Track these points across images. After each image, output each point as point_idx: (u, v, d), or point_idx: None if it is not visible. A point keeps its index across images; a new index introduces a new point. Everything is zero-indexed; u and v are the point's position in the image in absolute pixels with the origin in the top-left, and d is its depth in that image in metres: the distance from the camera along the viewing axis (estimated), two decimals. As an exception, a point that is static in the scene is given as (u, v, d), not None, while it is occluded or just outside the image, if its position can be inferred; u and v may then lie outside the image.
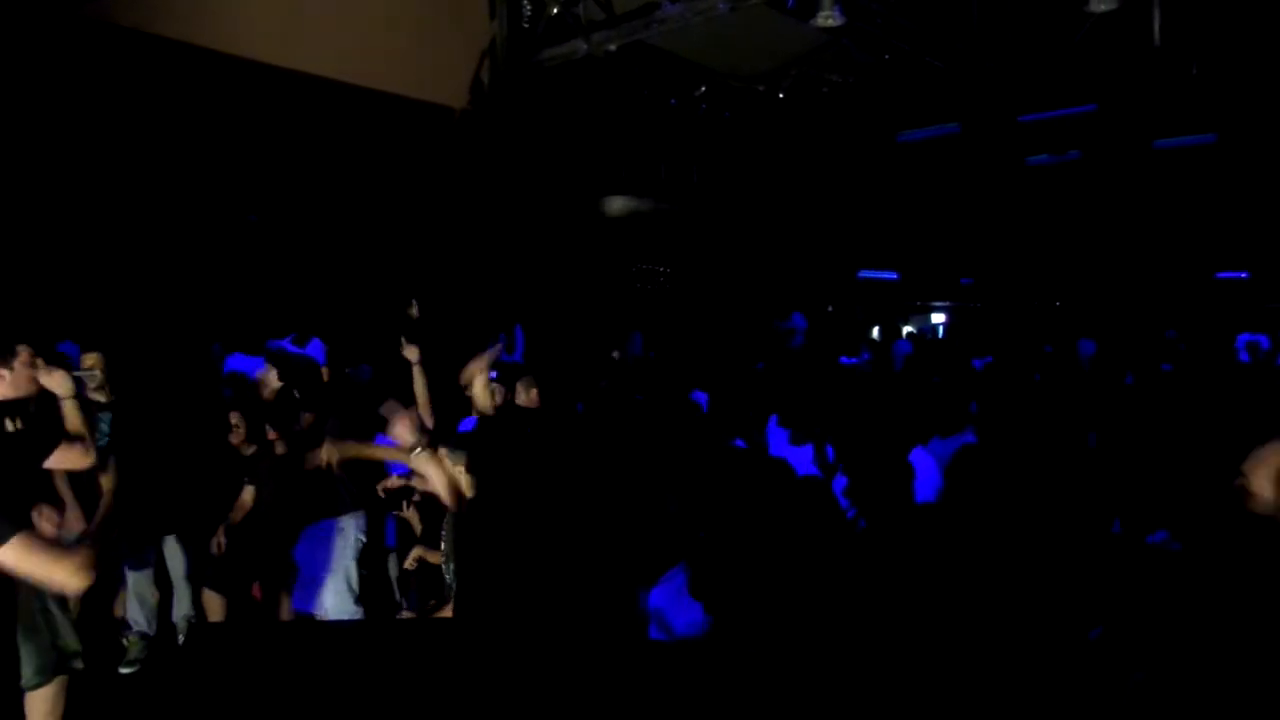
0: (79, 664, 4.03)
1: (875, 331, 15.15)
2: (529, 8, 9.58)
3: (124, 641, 5.38)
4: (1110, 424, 5.17)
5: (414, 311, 6.97)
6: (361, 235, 8.85)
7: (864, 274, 16.02)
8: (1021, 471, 3.34)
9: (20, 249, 7.10)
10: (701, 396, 6.33)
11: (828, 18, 7.26)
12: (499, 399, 5.75)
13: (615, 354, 8.00)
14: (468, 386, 4.79)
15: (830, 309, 14.81)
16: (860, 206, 13.99)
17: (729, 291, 13.01)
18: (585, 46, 8.47)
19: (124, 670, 5.28)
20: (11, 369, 3.87)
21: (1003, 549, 2.64)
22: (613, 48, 8.49)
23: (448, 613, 3.67)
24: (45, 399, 4.06)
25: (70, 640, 4.00)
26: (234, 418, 5.19)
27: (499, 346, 4.95)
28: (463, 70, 9.72)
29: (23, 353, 3.95)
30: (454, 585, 3.81)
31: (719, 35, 9.55)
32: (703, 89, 11.34)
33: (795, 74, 10.87)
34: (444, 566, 4.02)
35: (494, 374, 5.67)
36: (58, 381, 3.94)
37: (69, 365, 4.34)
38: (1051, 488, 3.34)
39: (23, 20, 6.81)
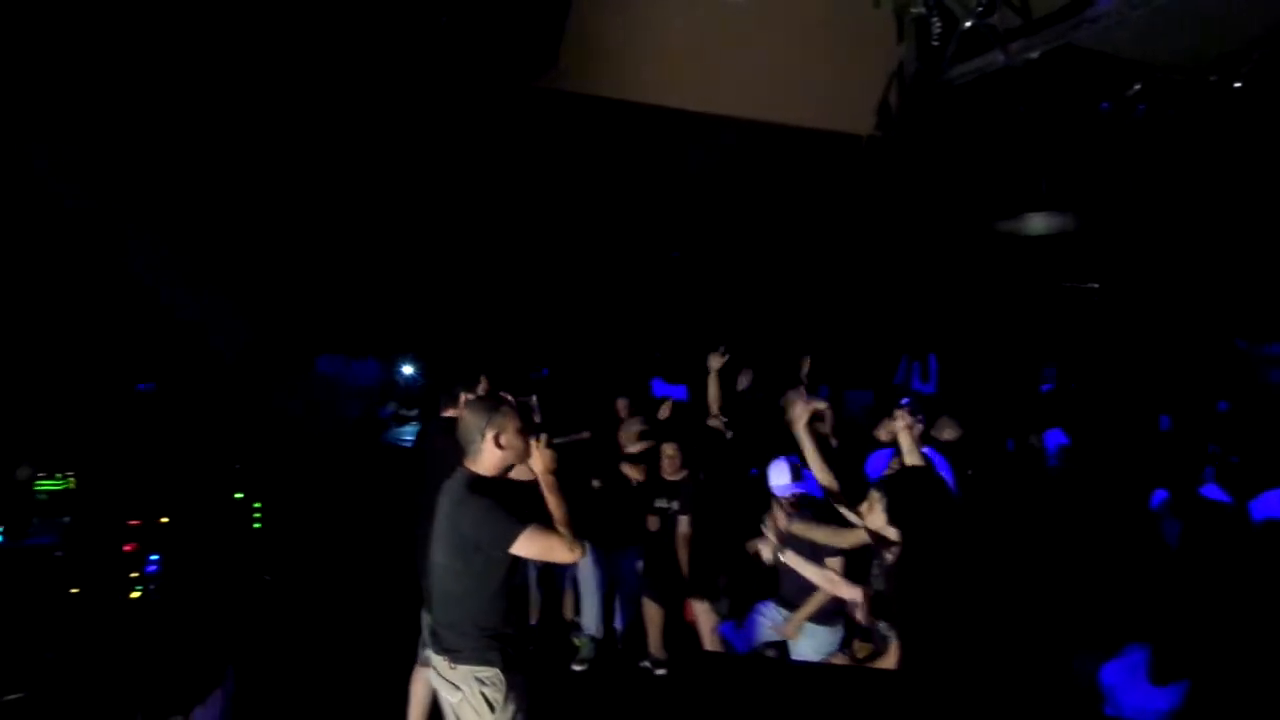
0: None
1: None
2: (938, 25, 9.23)
3: (575, 642, 6.04)
4: None
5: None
6: (776, 267, 9.12)
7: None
8: None
9: (480, 291, 8.31)
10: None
11: (1311, -12, 6.11)
12: (915, 431, 5.53)
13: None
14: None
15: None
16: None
17: (1176, 311, 11.45)
18: (1003, 58, 7.95)
19: (576, 668, 5.93)
20: (475, 395, 4.79)
21: None
22: (1034, 55, 7.88)
23: (884, 663, 3.59)
24: None
25: None
26: (669, 448, 5.59)
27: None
28: (869, 96, 9.63)
29: (484, 381, 4.87)
30: (888, 630, 3.73)
31: (1158, 25, 8.47)
32: (1137, 87, 10.13)
33: (1258, 58, 9.31)
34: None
35: (905, 400, 5.51)
36: None
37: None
38: None
39: (479, 94, 7.89)
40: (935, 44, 9.30)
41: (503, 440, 3.56)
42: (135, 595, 4.87)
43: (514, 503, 3.53)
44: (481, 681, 3.41)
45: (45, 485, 5.64)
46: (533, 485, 3.71)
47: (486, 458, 3.56)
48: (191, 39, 6.27)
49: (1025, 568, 3.61)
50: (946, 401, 6.52)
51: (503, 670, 3.49)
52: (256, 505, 6.43)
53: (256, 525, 6.42)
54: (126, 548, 5.05)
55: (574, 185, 8.57)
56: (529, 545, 3.41)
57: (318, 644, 5.96)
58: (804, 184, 9.15)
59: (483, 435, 3.55)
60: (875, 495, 3.80)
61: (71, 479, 5.66)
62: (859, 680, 3.52)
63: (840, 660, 4.66)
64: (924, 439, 5.49)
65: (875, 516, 3.76)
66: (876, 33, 9.85)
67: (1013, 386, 8.49)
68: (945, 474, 4.87)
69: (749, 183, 8.89)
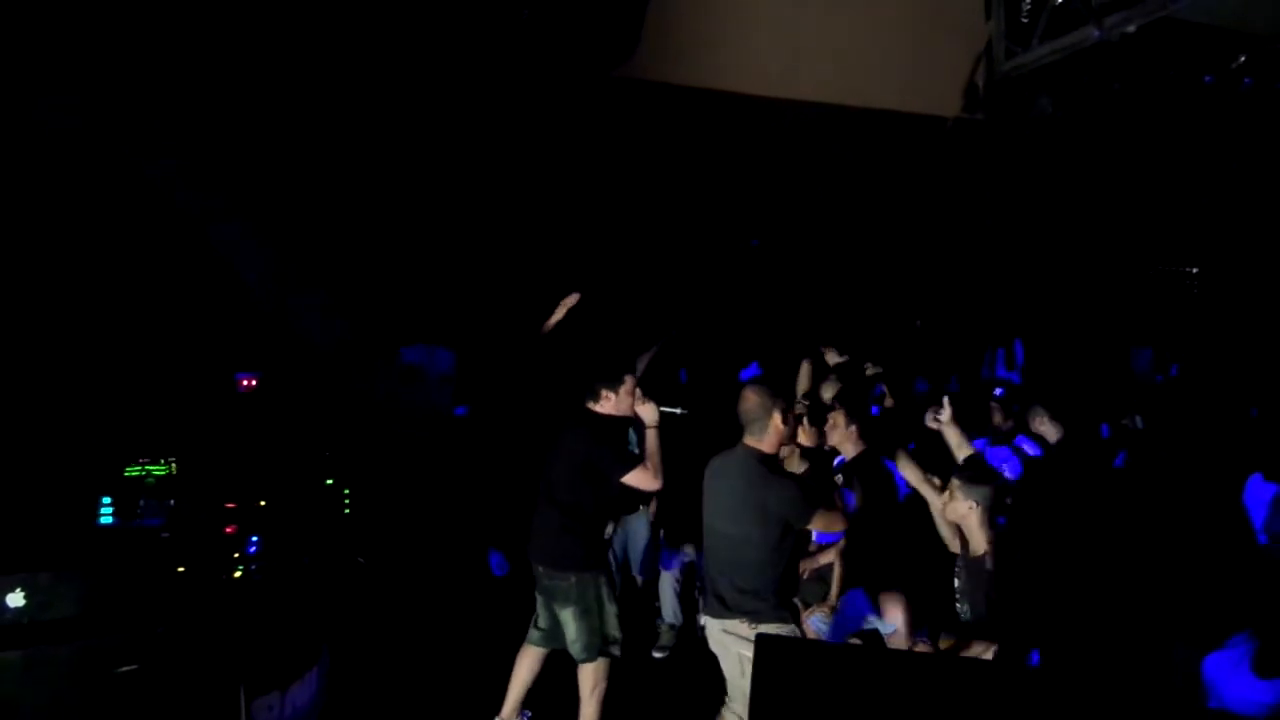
0: (617, 650, 4.61)
1: None
2: (1028, 1, 8.92)
3: (659, 629, 6.12)
4: None
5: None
6: (857, 252, 9.00)
7: None
8: None
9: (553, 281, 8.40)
10: None
11: None
12: (1007, 424, 5.43)
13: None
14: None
15: None
16: None
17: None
18: (1097, 32, 7.62)
19: (656, 655, 6.00)
20: (618, 393, 4.65)
21: None
22: (1131, 29, 7.53)
23: (970, 651, 3.54)
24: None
25: (614, 629, 4.62)
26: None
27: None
28: (954, 77, 9.40)
29: (628, 380, 4.70)
30: (971, 623, 3.68)
31: (1266, -9, 8.04)
32: (1242, 59, 9.64)
33: (1377, 25, 8.75)
34: (958, 604, 3.89)
35: (999, 391, 5.40)
36: (648, 411, 4.63)
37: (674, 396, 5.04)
38: None
39: (559, 86, 7.93)
40: (1024, 20, 9.00)
41: (787, 418, 3.86)
42: (237, 575, 5.10)
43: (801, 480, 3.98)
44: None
45: (151, 470, 5.92)
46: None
47: (772, 435, 3.83)
48: (294, 49, 6.52)
49: (1121, 556, 3.50)
50: (1035, 389, 6.33)
51: (796, 625, 3.89)
52: (346, 491, 6.64)
53: (346, 511, 6.63)
54: (228, 529, 5.29)
55: (652, 174, 8.59)
56: (820, 520, 3.85)
57: (407, 625, 6.14)
58: (886, 169, 9.00)
59: (769, 414, 3.82)
60: (956, 484, 3.74)
61: (173, 465, 5.93)
62: (953, 670, 3.46)
63: (923, 648, 4.59)
64: (1019, 428, 5.37)
65: (956, 506, 3.71)
66: (962, 10, 9.58)
67: (1105, 371, 8.20)
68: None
69: (829, 168, 8.77)
